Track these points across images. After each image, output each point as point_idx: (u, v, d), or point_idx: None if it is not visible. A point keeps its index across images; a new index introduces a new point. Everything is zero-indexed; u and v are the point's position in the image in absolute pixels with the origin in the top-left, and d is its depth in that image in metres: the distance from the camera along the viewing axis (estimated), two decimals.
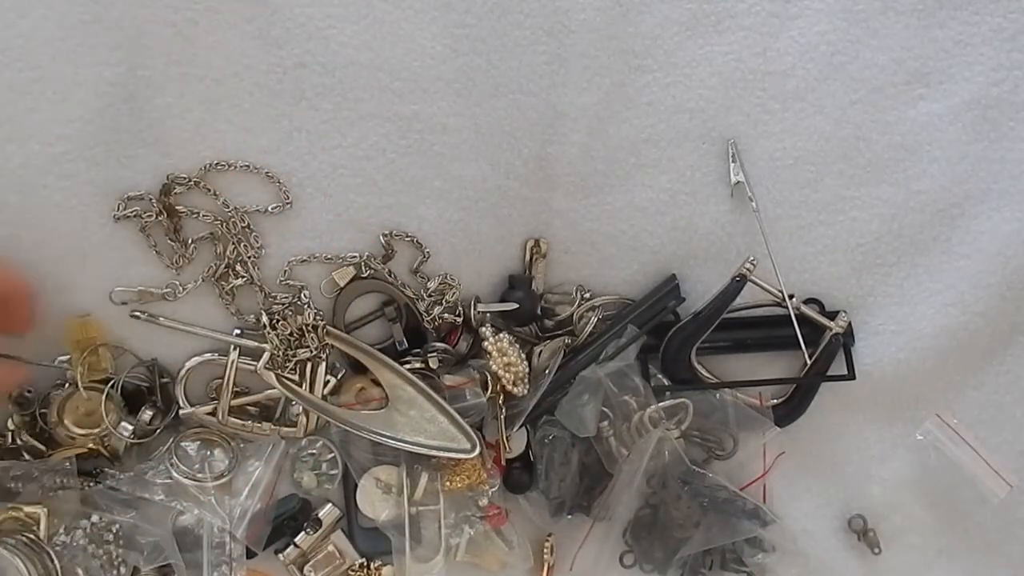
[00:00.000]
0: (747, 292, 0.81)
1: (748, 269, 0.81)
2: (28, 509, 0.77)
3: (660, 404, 0.82)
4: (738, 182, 0.81)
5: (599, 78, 0.80)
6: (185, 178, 0.76)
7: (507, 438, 0.81)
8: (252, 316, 0.78)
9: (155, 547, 0.78)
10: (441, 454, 0.79)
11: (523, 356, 0.81)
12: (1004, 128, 0.83)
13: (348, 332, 0.80)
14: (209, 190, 0.76)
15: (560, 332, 0.84)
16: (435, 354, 0.80)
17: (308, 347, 0.78)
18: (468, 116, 0.78)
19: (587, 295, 0.84)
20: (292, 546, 0.81)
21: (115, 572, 0.78)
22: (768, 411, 0.84)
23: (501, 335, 0.81)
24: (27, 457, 0.78)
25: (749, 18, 0.81)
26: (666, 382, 0.84)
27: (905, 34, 0.81)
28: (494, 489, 0.81)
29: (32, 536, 0.76)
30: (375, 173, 0.78)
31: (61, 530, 0.77)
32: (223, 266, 0.77)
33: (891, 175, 0.83)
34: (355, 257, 0.79)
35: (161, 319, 0.77)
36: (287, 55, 0.75)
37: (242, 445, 0.80)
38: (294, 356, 0.78)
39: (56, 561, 0.76)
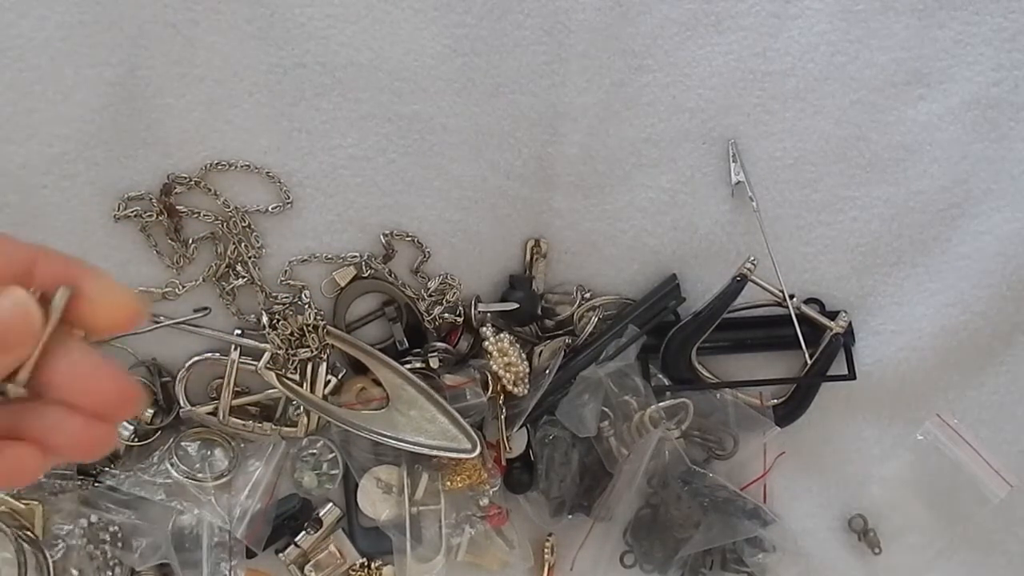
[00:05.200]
0: (747, 292, 0.81)
1: (748, 269, 0.81)
2: (23, 506, 0.77)
3: (660, 404, 0.82)
4: (738, 182, 0.81)
5: (599, 78, 0.80)
6: (185, 178, 0.76)
7: (507, 438, 0.81)
8: (253, 316, 0.78)
9: (150, 546, 0.78)
10: (442, 454, 0.79)
11: (523, 356, 0.81)
12: (1004, 128, 0.83)
13: (349, 332, 0.80)
14: (209, 190, 0.76)
15: (560, 332, 0.84)
16: (435, 354, 0.80)
17: (309, 347, 0.78)
18: (468, 116, 0.78)
19: (587, 295, 0.84)
20: (293, 546, 0.81)
21: (110, 573, 0.78)
22: (768, 411, 0.84)
23: (502, 335, 0.81)
24: None
25: (749, 18, 0.81)
26: (666, 382, 0.84)
27: (905, 34, 0.81)
28: (495, 489, 0.81)
29: (29, 534, 0.76)
30: (375, 173, 0.78)
31: (57, 529, 0.77)
32: (223, 266, 0.77)
33: (891, 175, 0.83)
34: (355, 257, 0.79)
35: (161, 318, 0.77)
36: (287, 55, 0.75)
37: (243, 445, 0.80)
38: (295, 356, 0.78)
39: (49, 559, 0.76)
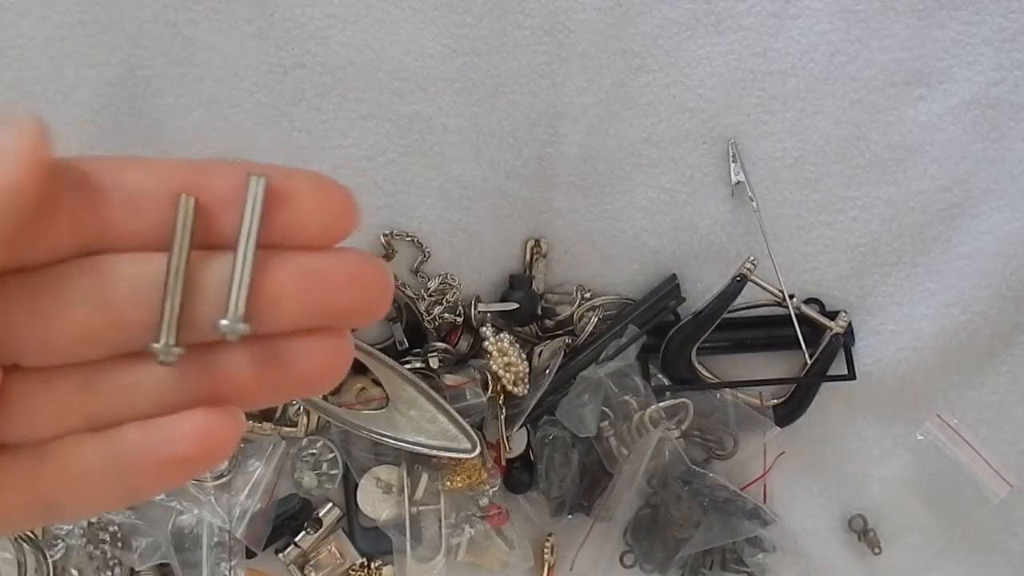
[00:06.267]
0: (747, 292, 0.81)
1: (748, 269, 0.81)
2: None
3: (660, 404, 0.82)
4: (738, 182, 0.81)
5: (599, 78, 0.80)
6: None
7: (507, 438, 0.81)
8: None
9: (150, 547, 0.78)
10: (441, 454, 0.79)
11: (523, 356, 0.81)
12: (1004, 128, 0.83)
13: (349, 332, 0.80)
14: None
15: (560, 332, 0.84)
16: (435, 354, 0.80)
17: None
18: (468, 116, 0.78)
19: (587, 295, 0.84)
20: (292, 546, 0.81)
21: (110, 573, 0.78)
22: (768, 411, 0.84)
23: (501, 335, 0.81)
24: None
25: (749, 18, 0.81)
26: (666, 382, 0.83)
27: (905, 34, 0.81)
28: (494, 489, 0.81)
29: (29, 534, 0.76)
30: (375, 173, 0.78)
31: (57, 529, 0.77)
32: None
33: (891, 175, 0.83)
34: None
35: None
36: (287, 55, 0.75)
37: (242, 445, 0.80)
38: None
39: (49, 559, 0.76)
